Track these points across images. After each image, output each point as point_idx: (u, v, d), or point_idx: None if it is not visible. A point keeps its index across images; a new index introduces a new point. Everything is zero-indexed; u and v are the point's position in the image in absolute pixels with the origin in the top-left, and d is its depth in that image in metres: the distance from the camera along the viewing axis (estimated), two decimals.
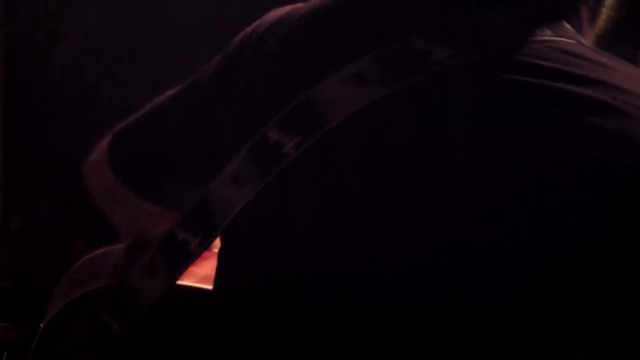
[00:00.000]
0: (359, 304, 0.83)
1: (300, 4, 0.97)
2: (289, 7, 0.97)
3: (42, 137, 3.39)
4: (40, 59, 3.65)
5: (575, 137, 0.80)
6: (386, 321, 0.82)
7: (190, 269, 0.92)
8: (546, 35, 0.87)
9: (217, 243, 0.95)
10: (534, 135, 0.80)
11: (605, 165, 0.78)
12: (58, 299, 1.10)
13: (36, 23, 3.68)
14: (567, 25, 0.92)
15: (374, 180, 0.84)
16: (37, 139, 3.39)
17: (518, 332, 0.79)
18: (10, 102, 3.58)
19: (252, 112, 0.91)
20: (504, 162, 0.80)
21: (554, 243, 0.78)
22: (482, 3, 0.90)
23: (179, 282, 0.94)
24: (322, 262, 0.84)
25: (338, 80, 0.86)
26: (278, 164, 0.86)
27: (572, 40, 0.89)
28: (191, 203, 0.91)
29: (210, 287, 0.97)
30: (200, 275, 1.01)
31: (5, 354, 2.55)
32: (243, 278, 0.89)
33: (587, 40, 0.95)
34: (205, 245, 0.90)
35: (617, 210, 0.78)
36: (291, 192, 0.86)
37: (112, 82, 3.30)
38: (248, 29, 0.98)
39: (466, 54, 0.85)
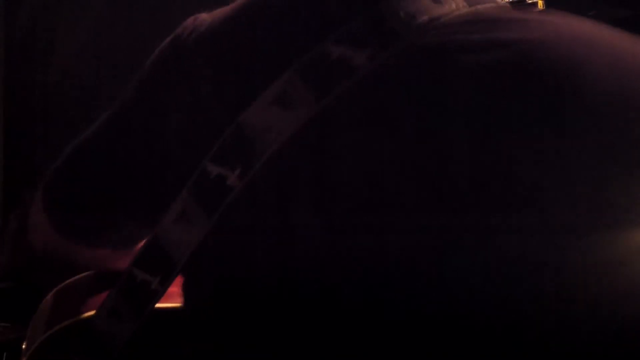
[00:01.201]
0: (358, 304, 0.83)
1: (202, 19, 0.93)
2: (189, 25, 0.94)
3: (42, 137, 3.39)
4: (40, 59, 3.64)
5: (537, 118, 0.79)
6: (385, 320, 0.82)
7: None
8: (460, 7, 0.85)
9: None
10: (493, 123, 0.80)
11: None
12: (33, 335, 1.09)
13: (36, 23, 3.67)
14: None
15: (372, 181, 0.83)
16: (37, 139, 3.38)
17: (518, 335, 0.79)
18: (10, 102, 3.57)
19: (185, 147, 0.90)
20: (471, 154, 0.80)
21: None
22: None
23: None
24: (322, 263, 0.84)
25: (263, 104, 0.85)
26: (224, 197, 0.85)
27: (488, 3, 0.87)
28: (144, 243, 0.90)
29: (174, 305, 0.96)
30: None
31: (5, 354, 2.54)
32: (241, 281, 0.89)
33: None
34: (167, 283, 0.89)
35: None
36: (289, 195, 0.86)
37: (112, 82, 3.30)
38: (163, 53, 0.95)
39: (383, 51, 0.83)
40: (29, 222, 1.04)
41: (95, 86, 3.37)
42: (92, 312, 0.97)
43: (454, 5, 0.85)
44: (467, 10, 0.85)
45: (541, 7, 1.03)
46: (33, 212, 1.03)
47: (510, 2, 0.98)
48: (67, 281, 1.13)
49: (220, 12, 0.93)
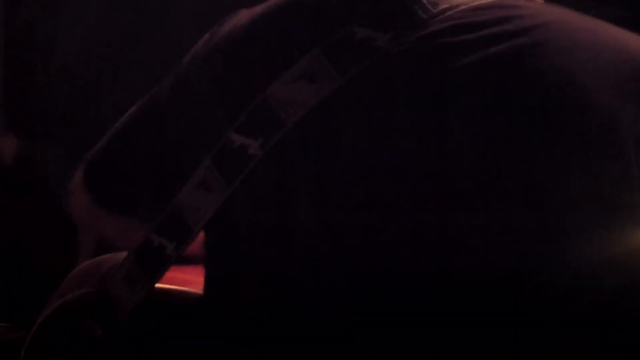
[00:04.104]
0: (358, 304, 0.83)
1: (249, 10, 1.00)
2: (241, 14, 1.00)
3: (42, 138, 3.40)
4: (40, 59, 3.65)
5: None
6: (385, 320, 0.82)
7: (172, 274, 0.94)
8: None
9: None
10: (509, 114, 0.82)
11: None
12: (50, 304, 1.12)
13: (36, 23, 3.68)
14: None
15: (370, 173, 0.84)
16: (37, 139, 3.39)
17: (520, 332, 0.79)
18: (10, 102, 3.58)
19: (212, 119, 0.94)
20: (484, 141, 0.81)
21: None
22: None
23: (162, 285, 0.96)
24: (322, 261, 0.84)
25: (289, 79, 0.90)
26: (245, 166, 0.89)
27: None
28: (164, 210, 0.94)
29: (191, 290, 0.98)
30: (181, 279, 1.02)
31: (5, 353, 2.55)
32: (241, 280, 0.89)
33: None
34: (181, 249, 0.93)
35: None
36: (289, 191, 0.87)
37: (112, 82, 3.31)
38: (200, 43, 1.01)
39: (405, 36, 0.88)
40: (69, 196, 1.11)
41: (95, 86, 3.38)
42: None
43: None
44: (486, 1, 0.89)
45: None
46: (73, 186, 1.09)
47: None
48: (89, 260, 1.17)
49: (256, 7, 0.99)
